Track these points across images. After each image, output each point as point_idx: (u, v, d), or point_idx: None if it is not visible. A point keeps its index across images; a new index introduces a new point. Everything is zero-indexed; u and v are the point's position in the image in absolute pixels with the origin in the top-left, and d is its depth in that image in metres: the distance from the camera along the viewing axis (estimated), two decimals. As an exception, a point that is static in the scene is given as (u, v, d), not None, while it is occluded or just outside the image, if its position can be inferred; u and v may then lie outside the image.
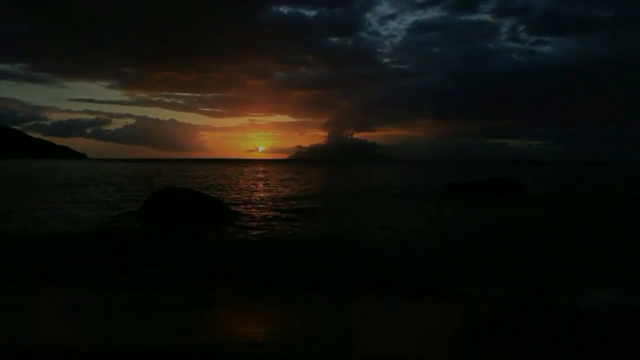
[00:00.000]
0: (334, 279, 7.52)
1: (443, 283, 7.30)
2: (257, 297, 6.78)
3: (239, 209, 17.62)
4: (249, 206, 18.99)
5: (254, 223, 14.18)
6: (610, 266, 8.60)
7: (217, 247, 10.62)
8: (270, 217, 15.75)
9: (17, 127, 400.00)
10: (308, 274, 7.82)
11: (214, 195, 19.80)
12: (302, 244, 10.97)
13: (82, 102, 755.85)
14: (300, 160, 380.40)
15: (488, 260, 8.99)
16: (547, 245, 10.81)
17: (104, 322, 5.60)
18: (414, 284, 7.24)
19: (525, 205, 21.27)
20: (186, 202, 15.03)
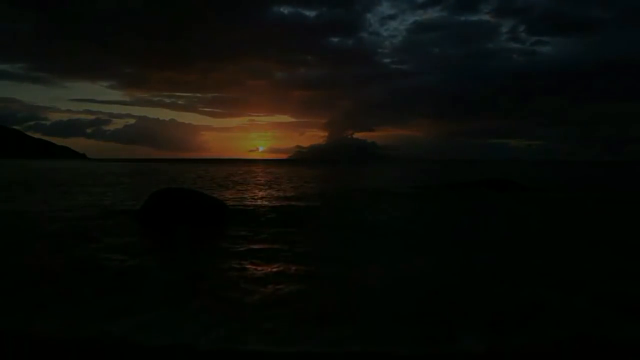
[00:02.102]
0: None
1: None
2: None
3: (238, 209, 17.66)
4: (247, 206, 19.01)
5: (251, 224, 14.20)
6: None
7: (216, 250, 10.58)
8: (266, 217, 15.82)
9: (17, 127, 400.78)
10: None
11: (213, 195, 19.81)
12: (296, 248, 10.96)
13: (83, 102, 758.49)
14: (299, 160, 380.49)
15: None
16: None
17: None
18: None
19: (523, 205, 21.31)
20: (186, 202, 15.04)
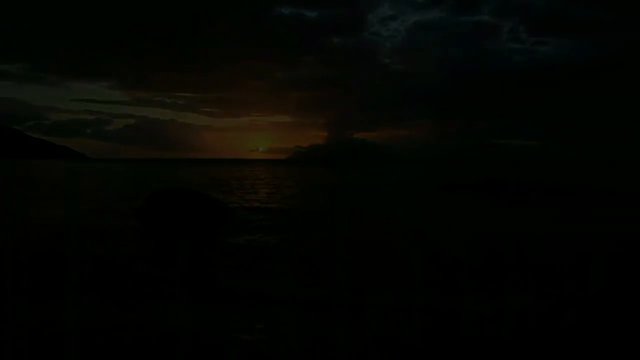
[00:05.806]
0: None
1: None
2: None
3: (237, 209, 17.78)
4: (247, 207, 19.15)
5: (251, 223, 14.34)
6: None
7: (216, 252, 10.65)
8: (267, 218, 15.96)
9: (17, 127, 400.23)
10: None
11: (213, 196, 19.92)
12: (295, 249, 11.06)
13: (83, 102, 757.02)
14: (299, 160, 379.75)
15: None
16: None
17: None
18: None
19: (520, 205, 21.42)
20: (185, 202, 15.13)
